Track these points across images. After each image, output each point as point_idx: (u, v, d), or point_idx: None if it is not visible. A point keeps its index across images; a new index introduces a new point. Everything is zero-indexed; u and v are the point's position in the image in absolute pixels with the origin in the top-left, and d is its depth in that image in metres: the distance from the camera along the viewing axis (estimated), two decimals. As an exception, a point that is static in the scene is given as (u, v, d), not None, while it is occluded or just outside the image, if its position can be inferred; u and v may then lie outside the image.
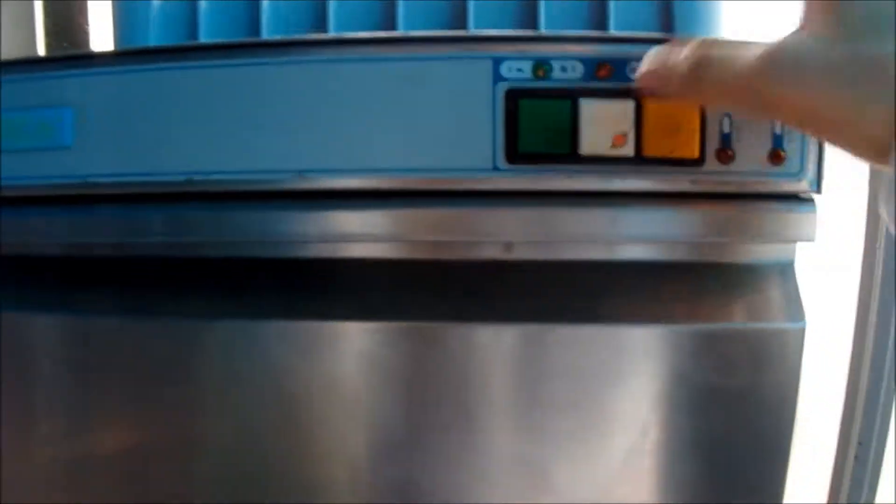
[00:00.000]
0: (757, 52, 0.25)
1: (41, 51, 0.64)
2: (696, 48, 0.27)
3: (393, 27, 0.38)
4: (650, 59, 0.28)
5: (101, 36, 0.66)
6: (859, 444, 0.62)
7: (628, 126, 0.30)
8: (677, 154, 0.31)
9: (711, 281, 0.35)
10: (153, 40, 0.40)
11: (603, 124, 0.30)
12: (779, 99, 0.25)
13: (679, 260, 0.35)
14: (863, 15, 0.23)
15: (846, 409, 0.63)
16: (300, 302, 0.34)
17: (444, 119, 0.30)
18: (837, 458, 0.63)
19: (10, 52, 0.64)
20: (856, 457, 0.62)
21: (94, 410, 0.36)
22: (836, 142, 0.25)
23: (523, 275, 0.34)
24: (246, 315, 0.34)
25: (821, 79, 0.23)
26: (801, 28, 0.24)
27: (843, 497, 0.62)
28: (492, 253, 0.33)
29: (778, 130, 0.31)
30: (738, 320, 0.35)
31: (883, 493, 0.62)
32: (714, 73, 0.26)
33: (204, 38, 0.39)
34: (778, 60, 0.24)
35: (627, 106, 0.30)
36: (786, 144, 0.31)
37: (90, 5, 0.66)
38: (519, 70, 0.30)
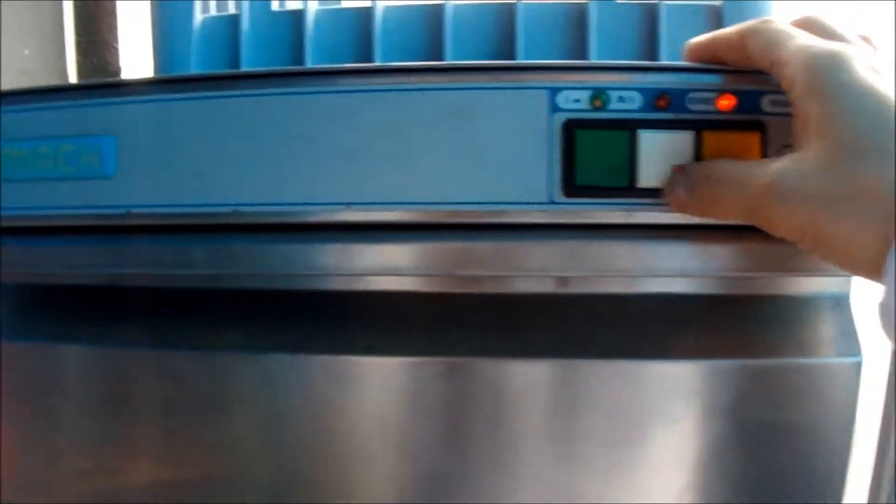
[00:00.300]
0: (760, 175, 0.26)
1: (71, 68, 0.64)
2: (700, 170, 0.28)
3: (440, 55, 0.37)
4: (668, 182, 0.29)
5: (130, 53, 0.66)
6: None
7: (688, 158, 0.29)
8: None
9: (765, 315, 0.34)
10: (195, 57, 0.40)
11: (662, 156, 0.29)
12: (782, 223, 0.26)
13: (734, 293, 0.34)
14: (854, 140, 0.24)
15: (883, 426, 0.62)
16: (341, 336, 0.33)
17: (497, 150, 0.29)
18: (875, 476, 0.62)
19: (39, 68, 0.64)
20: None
21: (132, 443, 0.35)
22: (834, 261, 0.26)
23: (570, 310, 0.33)
24: (286, 349, 0.33)
25: (818, 206, 0.25)
26: (799, 148, 0.26)
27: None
28: (545, 287, 0.32)
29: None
30: (790, 355, 0.34)
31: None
32: (723, 196, 0.28)
33: (246, 58, 0.39)
34: (780, 189, 0.26)
35: (687, 137, 0.29)
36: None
37: (119, 23, 0.65)
38: (576, 101, 0.29)
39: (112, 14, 0.66)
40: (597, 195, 0.30)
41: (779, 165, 0.26)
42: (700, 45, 0.31)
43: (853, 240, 0.25)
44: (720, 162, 0.28)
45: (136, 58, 0.65)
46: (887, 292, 0.24)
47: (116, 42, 0.65)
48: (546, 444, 0.33)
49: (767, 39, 0.28)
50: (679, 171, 0.29)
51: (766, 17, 0.29)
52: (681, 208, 0.29)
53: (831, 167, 0.25)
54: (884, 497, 0.61)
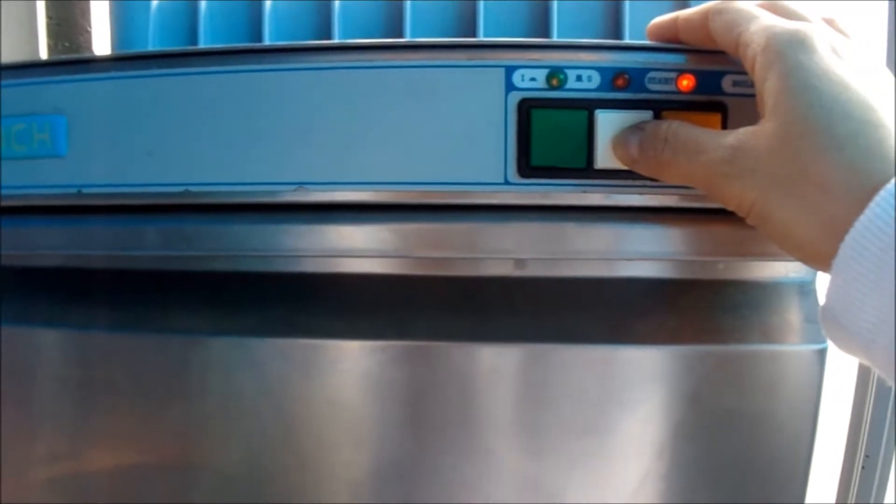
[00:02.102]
0: (715, 149, 0.26)
1: (42, 51, 0.63)
2: (657, 131, 0.28)
3: (400, 32, 0.37)
4: (621, 135, 0.29)
5: (103, 37, 0.65)
6: (866, 456, 0.61)
7: (647, 138, 0.29)
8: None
9: (729, 300, 0.34)
10: (152, 43, 0.39)
11: (620, 136, 0.29)
12: (732, 198, 0.26)
13: (695, 278, 0.33)
14: (803, 121, 0.24)
15: (853, 419, 0.62)
16: (299, 318, 0.33)
17: (452, 130, 0.29)
18: (844, 470, 0.63)
19: (11, 51, 0.63)
20: (863, 467, 0.61)
21: (86, 426, 0.35)
22: (779, 244, 0.26)
23: (532, 293, 0.33)
24: (243, 331, 0.32)
25: (767, 186, 0.25)
26: (764, 121, 0.25)
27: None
28: (501, 270, 0.32)
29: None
30: (755, 341, 0.33)
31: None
32: (678, 162, 0.27)
33: (205, 42, 0.38)
34: (733, 165, 0.25)
35: (645, 118, 0.29)
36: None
37: (92, 6, 0.64)
38: (532, 79, 0.29)
39: (85, -3, 0.65)
40: (553, 175, 0.29)
41: (734, 140, 0.26)
42: (662, 25, 0.31)
43: (795, 225, 0.24)
44: (678, 125, 0.28)
45: (108, 43, 0.64)
46: (830, 296, 0.24)
47: (89, 25, 0.64)
48: (509, 428, 0.33)
49: (731, 19, 0.27)
50: (636, 128, 0.28)
51: None
52: (629, 164, 0.28)
53: (780, 148, 0.24)
54: (854, 488, 0.62)
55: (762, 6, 0.28)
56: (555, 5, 0.34)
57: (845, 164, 0.23)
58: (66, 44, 0.63)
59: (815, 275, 0.34)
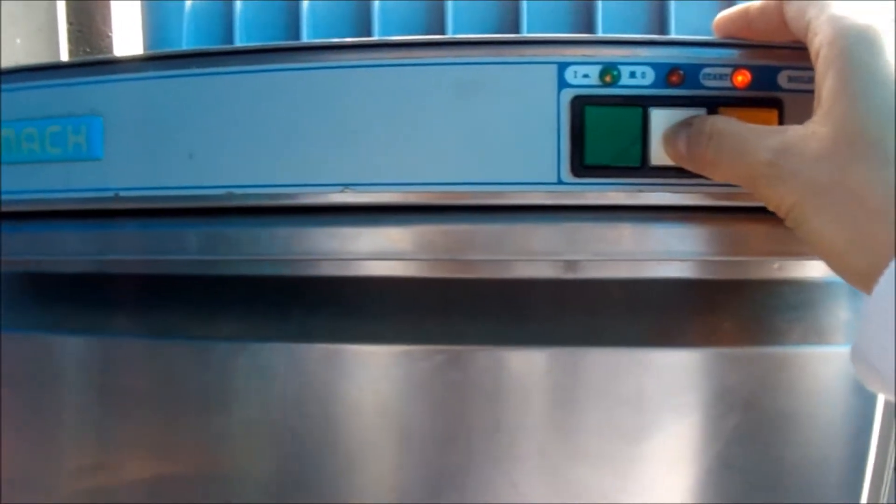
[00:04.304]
0: (762, 150, 0.25)
1: (63, 57, 0.63)
2: (705, 128, 0.27)
3: (441, 30, 0.36)
4: (670, 131, 0.28)
5: (124, 42, 0.64)
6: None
7: (702, 136, 0.28)
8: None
9: (779, 300, 0.33)
10: (186, 42, 0.38)
11: (675, 134, 0.28)
12: (773, 200, 0.25)
13: (746, 278, 0.33)
14: (857, 130, 0.23)
15: (884, 420, 0.61)
16: (343, 324, 0.32)
17: (503, 128, 0.28)
18: (876, 470, 0.61)
19: (31, 57, 0.63)
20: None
21: (124, 435, 0.34)
22: (815, 252, 0.25)
23: (582, 295, 0.32)
24: (287, 337, 0.32)
25: (808, 193, 0.24)
26: (811, 124, 0.24)
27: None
28: (549, 272, 0.31)
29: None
30: (811, 342, 0.32)
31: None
32: (721, 160, 0.26)
33: (240, 40, 0.37)
34: (778, 169, 0.24)
35: (701, 114, 0.28)
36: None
37: (113, 11, 0.64)
38: (585, 76, 0.28)
39: (106, 3, 0.65)
40: (607, 175, 0.28)
41: (780, 142, 0.25)
42: (731, 18, 0.29)
43: (831, 234, 0.23)
44: (725, 122, 0.27)
45: (129, 47, 0.64)
46: (862, 337, 0.23)
47: (110, 31, 0.64)
48: (552, 435, 0.32)
49: (802, 5, 0.26)
50: (684, 124, 0.27)
51: None
52: (677, 160, 0.28)
53: (827, 155, 0.23)
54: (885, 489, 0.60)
55: None
56: (599, 4, 0.34)
57: (890, 181, 0.22)
58: (87, 49, 0.63)
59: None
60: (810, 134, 0.24)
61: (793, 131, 0.25)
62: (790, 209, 0.24)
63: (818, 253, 0.25)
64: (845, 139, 0.23)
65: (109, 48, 0.64)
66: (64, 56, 0.63)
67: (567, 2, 0.35)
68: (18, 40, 0.63)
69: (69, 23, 0.63)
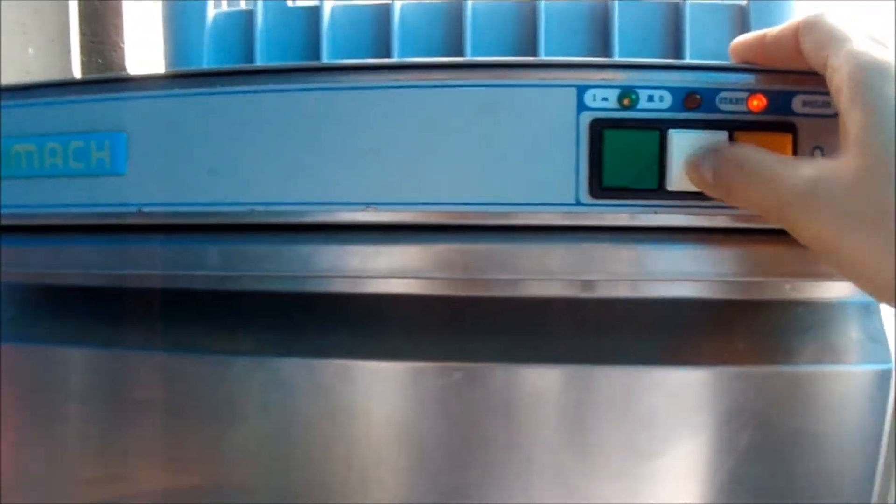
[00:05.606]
0: (792, 179, 0.25)
1: (76, 68, 0.63)
2: (731, 156, 0.27)
3: (460, 50, 0.36)
4: (695, 158, 0.28)
5: (136, 53, 0.65)
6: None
7: (719, 159, 0.28)
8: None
9: (793, 320, 0.33)
10: (207, 57, 0.39)
11: (692, 157, 0.28)
12: (804, 231, 0.25)
13: (762, 298, 0.33)
14: (891, 159, 0.23)
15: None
16: (361, 340, 0.32)
17: (522, 150, 0.29)
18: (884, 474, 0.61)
19: (44, 69, 0.63)
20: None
21: (141, 451, 0.34)
22: (853, 281, 0.25)
23: (597, 314, 0.32)
24: (304, 353, 0.32)
25: (844, 224, 0.24)
26: (839, 156, 0.25)
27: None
28: (568, 290, 0.31)
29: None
30: (818, 362, 0.33)
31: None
32: (748, 189, 0.27)
33: (261, 55, 0.38)
34: (810, 200, 0.25)
35: (718, 138, 0.28)
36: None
37: (126, 22, 0.65)
38: (604, 99, 0.28)
39: (118, 13, 0.65)
40: (624, 196, 0.29)
41: (813, 173, 0.25)
42: (748, 44, 0.30)
43: (872, 265, 0.24)
44: (753, 151, 0.27)
45: (142, 58, 0.64)
46: None
47: (123, 42, 0.64)
48: (566, 452, 0.32)
49: (820, 39, 0.27)
50: (710, 151, 0.28)
51: (819, 12, 0.27)
52: (702, 187, 0.28)
53: (863, 186, 0.24)
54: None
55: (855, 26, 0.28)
56: (615, 24, 0.34)
57: None
58: (100, 60, 0.63)
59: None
60: (844, 167, 0.25)
61: (825, 162, 0.26)
62: (825, 241, 0.25)
63: (853, 278, 0.25)
64: (881, 168, 0.24)
65: (121, 59, 0.64)
66: (76, 67, 0.63)
67: (584, 23, 0.35)
68: (31, 51, 0.63)
69: (82, 34, 0.64)
